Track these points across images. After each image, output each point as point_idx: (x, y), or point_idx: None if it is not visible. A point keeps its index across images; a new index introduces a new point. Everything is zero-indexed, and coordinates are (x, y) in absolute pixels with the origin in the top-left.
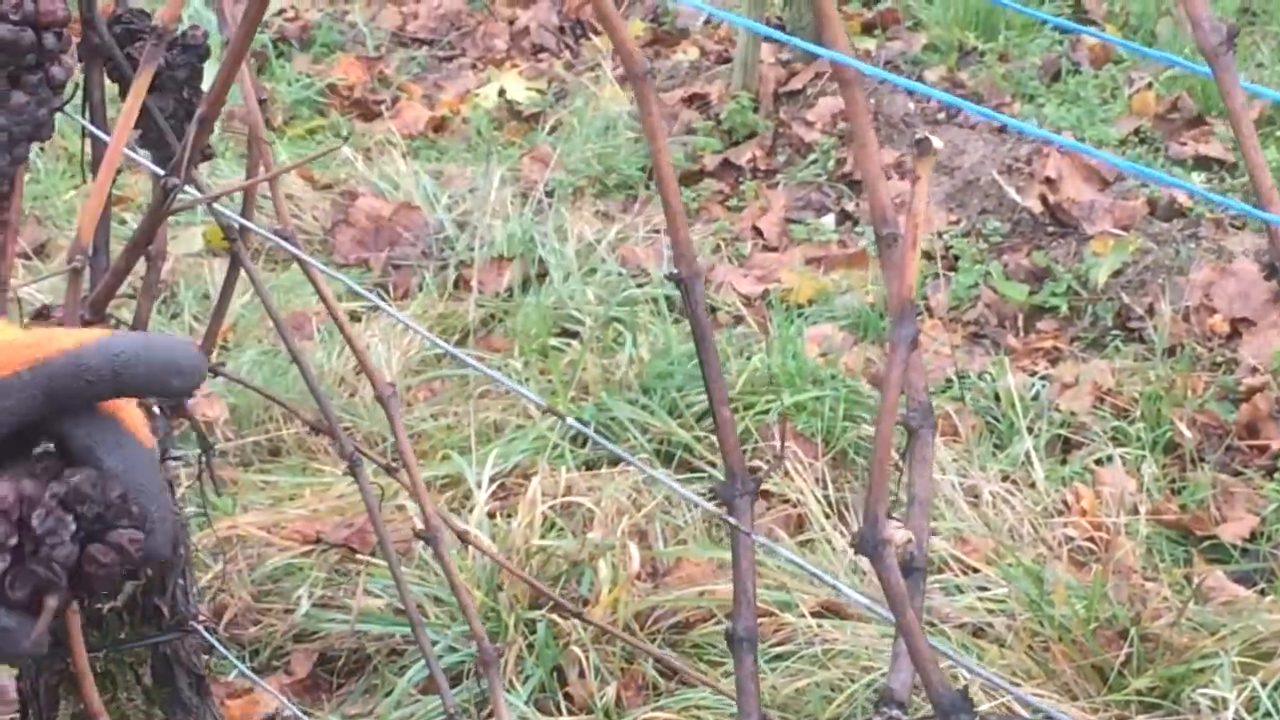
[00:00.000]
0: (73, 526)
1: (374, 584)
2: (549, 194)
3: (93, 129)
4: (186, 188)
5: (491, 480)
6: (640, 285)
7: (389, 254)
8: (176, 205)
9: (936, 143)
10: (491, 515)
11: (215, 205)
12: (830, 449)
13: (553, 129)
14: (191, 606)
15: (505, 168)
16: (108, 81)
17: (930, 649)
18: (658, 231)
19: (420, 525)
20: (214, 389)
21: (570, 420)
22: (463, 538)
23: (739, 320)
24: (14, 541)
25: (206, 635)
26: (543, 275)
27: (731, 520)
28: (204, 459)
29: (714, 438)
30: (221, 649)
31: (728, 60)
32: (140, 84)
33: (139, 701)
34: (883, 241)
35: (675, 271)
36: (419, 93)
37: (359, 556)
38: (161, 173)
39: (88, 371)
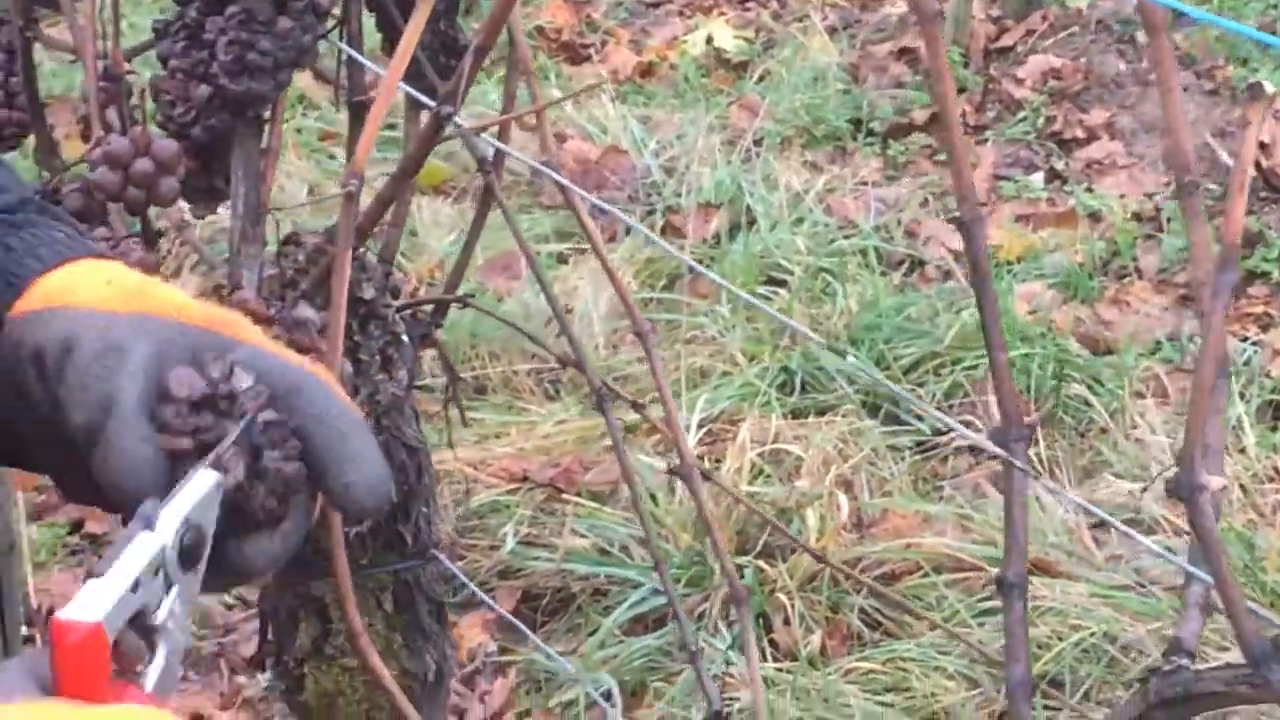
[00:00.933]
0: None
1: (580, 524)
2: (757, 143)
3: (355, 55)
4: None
5: (699, 425)
6: (848, 237)
7: (596, 196)
8: (446, 134)
9: (1269, 87)
10: (701, 459)
11: (474, 136)
12: (1038, 407)
13: (760, 78)
14: (433, 534)
15: (713, 115)
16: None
17: (1244, 598)
18: (866, 184)
19: (645, 466)
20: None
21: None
22: (706, 475)
23: (947, 275)
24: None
25: (447, 563)
26: (750, 223)
27: (1014, 461)
28: (450, 388)
29: (920, 390)
30: (463, 577)
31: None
32: (420, 14)
33: (379, 627)
34: (1184, 189)
35: (958, 215)
36: (626, 38)
37: (564, 496)
38: (427, 101)
39: None
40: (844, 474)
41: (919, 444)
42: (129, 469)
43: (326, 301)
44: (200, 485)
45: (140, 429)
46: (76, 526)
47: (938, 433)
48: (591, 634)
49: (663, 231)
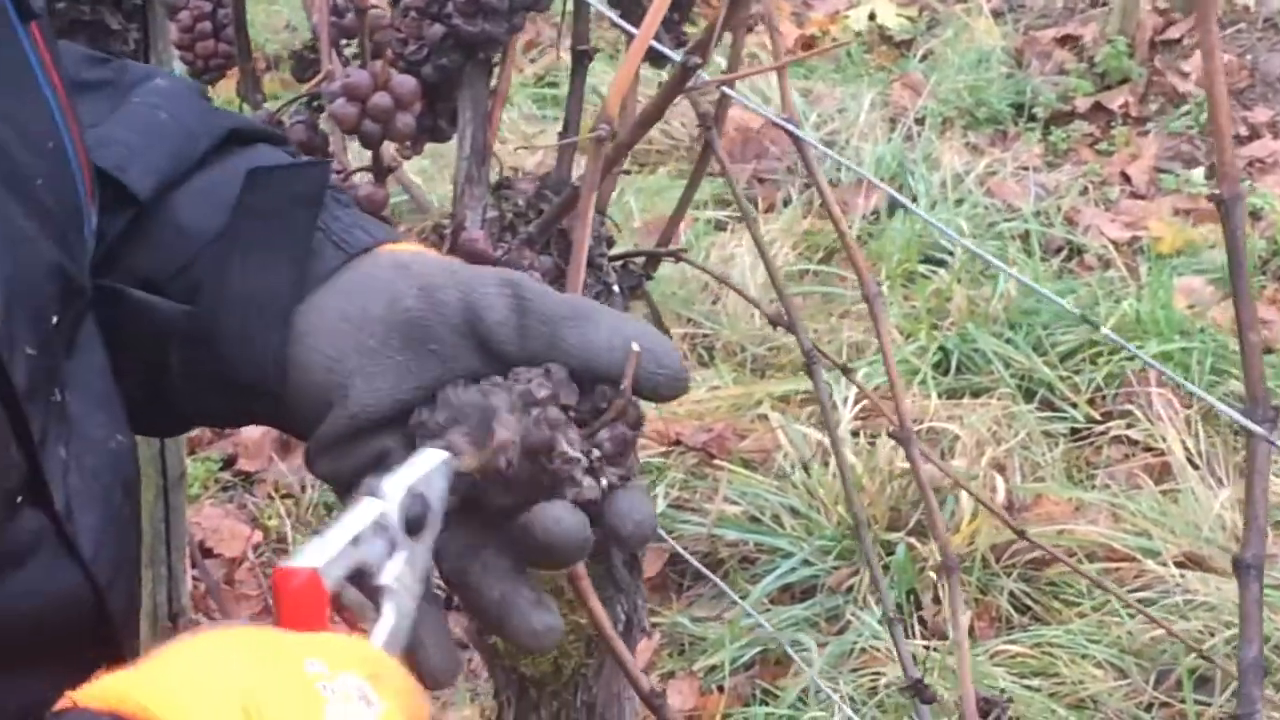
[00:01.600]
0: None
1: (732, 491)
2: (918, 121)
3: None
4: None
5: (855, 400)
6: (1008, 220)
7: (755, 167)
8: (691, 85)
9: None
10: (855, 434)
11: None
12: (1195, 401)
13: (923, 57)
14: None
15: (874, 91)
16: None
17: None
18: (1026, 169)
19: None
20: None
21: None
22: (900, 441)
23: (1106, 264)
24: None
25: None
26: (913, 199)
27: (1269, 438)
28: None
29: (1077, 378)
30: (661, 533)
31: (1103, 3)
32: None
33: None
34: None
35: (1217, 193)
36: (788, 10)
37: (716, 462)
38: (669, 53)
39: None
40: (998, 457)
41: (1073, 431)
42: None
43: (549, 246)
44: (428, 461)
45: None
46: (229, 462)
47: (1091, 421)
48: (739, 599)
49: (820, 204)
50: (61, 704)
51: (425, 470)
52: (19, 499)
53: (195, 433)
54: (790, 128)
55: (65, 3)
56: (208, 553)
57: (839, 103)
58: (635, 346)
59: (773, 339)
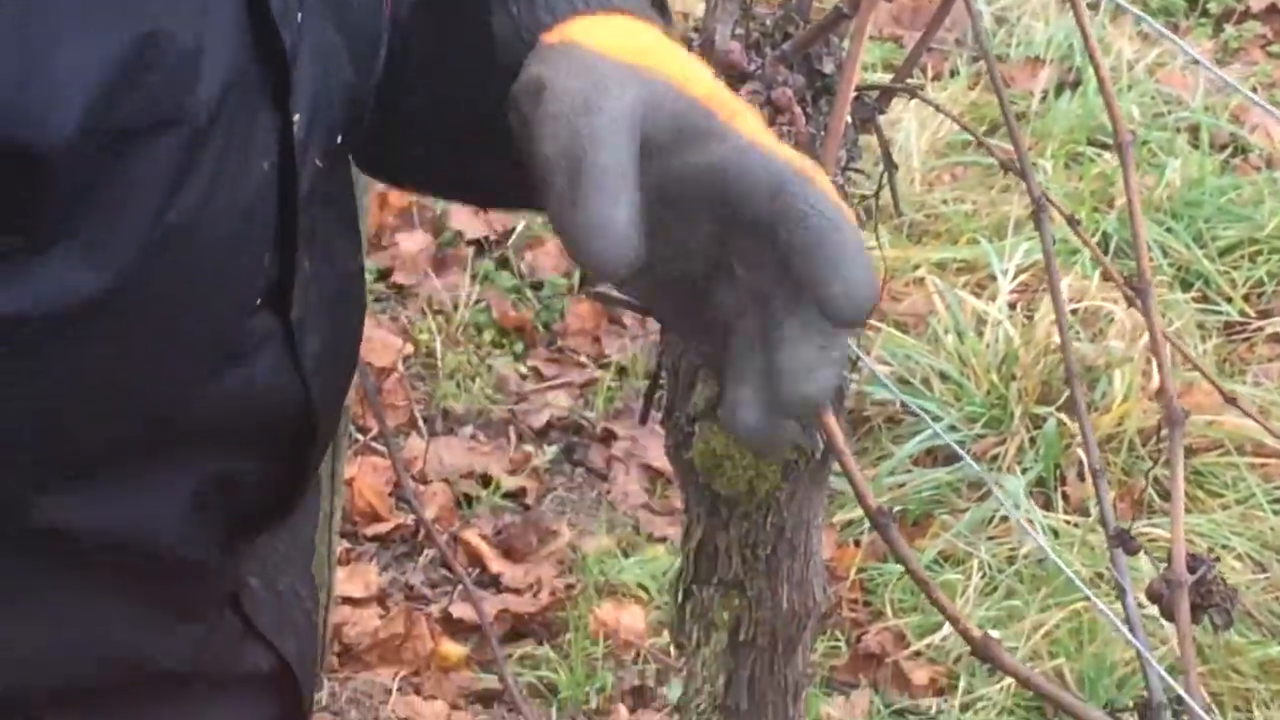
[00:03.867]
0: None
1: (884, 351)
2: (1092, 7)
3: None
4: None
5: (1015, 274)
6: (1173, 113)
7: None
8: None
9: None
10: (1012, 306)
11: None
12: None
13: None
14: None
15: None
16: None
17: None
18: (1197, 62)
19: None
20: None
21: None
22: (1136, 292)
23: (1269, 164)
24: None
25: (854, 348)
26: (1076, 84)
27: None
28: (885, 174)
29: (1235, 274)
30: (863, 359)
31: None
32: None
33: None
34: None
35: None
36: None
37: (870, 322)
38: None
39: None
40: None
41: (1227, 325)
42: (593, 229)
43: (797, 66)
44: None
45: (609, 183)
46: (384, 275)
47: (1246, 317)
48: (881, 459)
49: (988, 81)
50: None
51: None
52: (260, 301)
53: None
54: None
55: None
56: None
57: None
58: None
59: (931, 206)
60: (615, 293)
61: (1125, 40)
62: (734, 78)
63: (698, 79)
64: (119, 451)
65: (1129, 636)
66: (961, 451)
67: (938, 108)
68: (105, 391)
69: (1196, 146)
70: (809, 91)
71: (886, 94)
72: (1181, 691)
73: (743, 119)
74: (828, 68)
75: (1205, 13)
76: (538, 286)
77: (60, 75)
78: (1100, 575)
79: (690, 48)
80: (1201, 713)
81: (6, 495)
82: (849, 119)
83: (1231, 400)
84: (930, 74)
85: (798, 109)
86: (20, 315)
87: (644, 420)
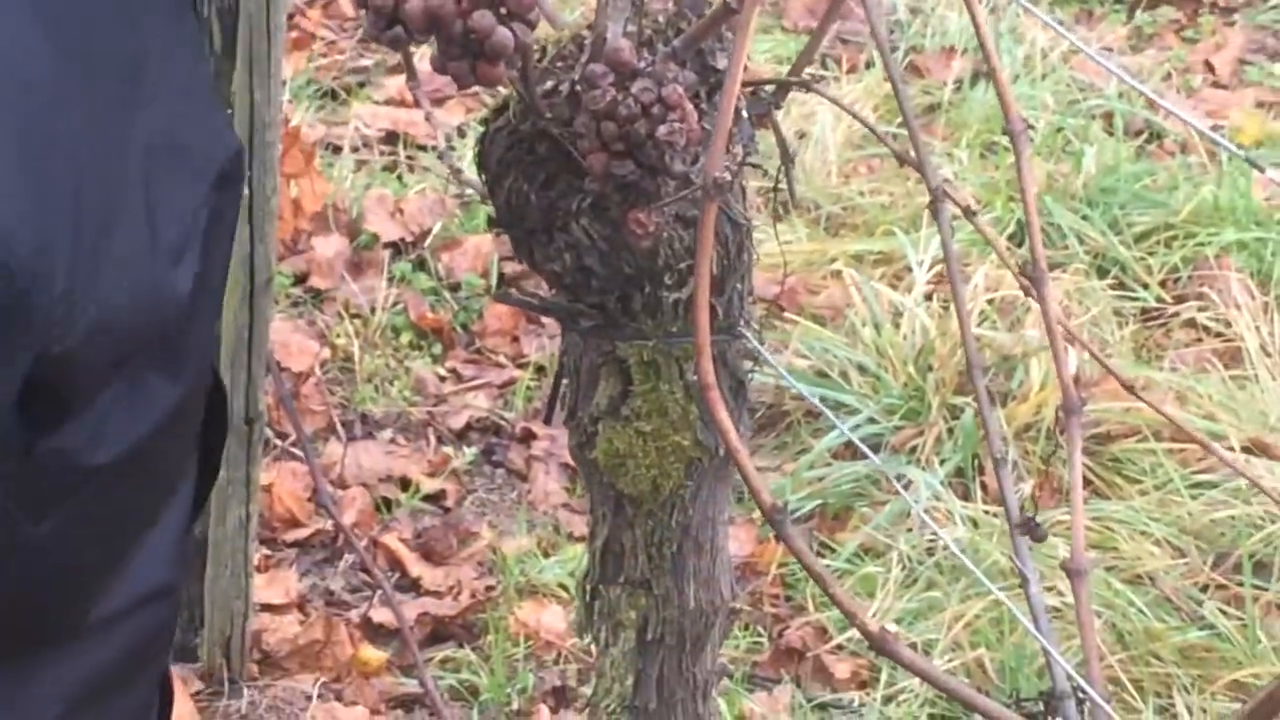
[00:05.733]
0: None
1: (802, 345)
2: None
3: None
4: None
5: (930, 265)
6: (1088, 100)
7: (839, 28)
8: None
9: None
10: (928, 298)
11: None
12: (1265, 292)
13: None
14: (745, 312)
15: None
16: None
17: None
18: (1111, 50)
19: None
20: None
21: None
22: (1031, 281)
23: (1184, 149)
24: None
25: (754, 343)
26: (990, 74)
27: None
28: (783, 170)
29: (1151, 260)
30: (765, 356)
31: None
32: None
33: (678, 395)
34: None
35: None
36: None
37: (787, 315)
38: None
39: None
40: (1066, 332)
41: (1144, 311)
42: None
43: (690, 63)
44: None
45: None
46: (301, 279)
47: (1162, 303)
48: (800, 453)
49: (904, 72)
50: None
51: None
52: None
53: None
54: None
55: None
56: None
57: None
58: None
59: (847, 198)
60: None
61: (1039, 29)
62: (624, 75)
63: None
64: None
65: (1030, 628)
66: (868, 450)
67: (834, 101)
68: None
69: (1111, 133)
70: (702, 88)
71: (783, 88)
72: (1081, 681)
73: None
74: (721, 63)
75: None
76: (455, 288)
77: None
78: None
79: (581, 45)
80: (1101, 702)
81: None
82: (745, 114)
83: (1130, 389)
84: (846, 66)
85: (689, 106)
86: None
87: (548, 420)
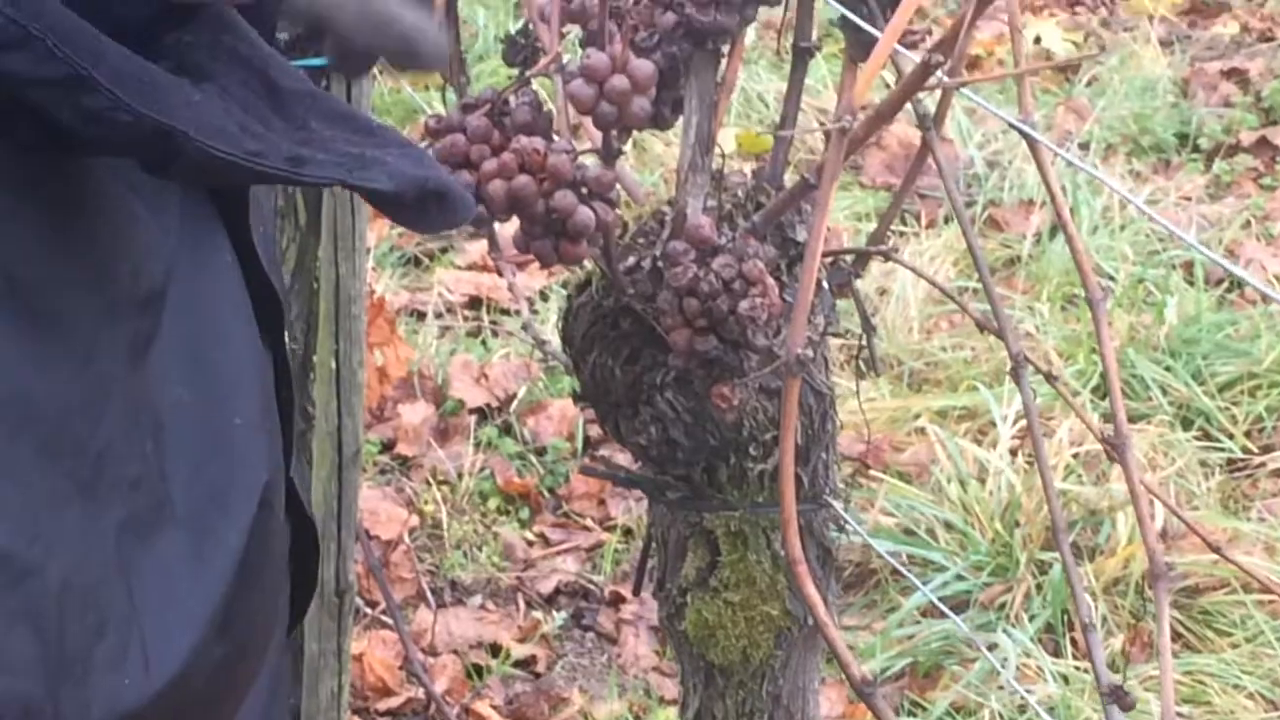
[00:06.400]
0: None
1: (888, 503)
2: (1083, 146)
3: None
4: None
5: (1014, 420)
6: (1168, 250)
7: (916, 184)
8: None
9: None
10: (1013, 453)
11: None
12: None
13: (1088, 83)
14: (831, 481)
15: (1039, 114)
16: None
17: None
18: (1189, 199)
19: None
20: None
21: None
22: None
23: (1266, 299)
24: None
25: (842, 512)
26: (1066, 238)
27: None
28: (865, 338)
29: (1235, 409)
30: (853, 524)
31: (1271, 39)
32: None
33: (765, 565)
34: None
35: None
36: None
37: (872, 473)
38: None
39: None
40: (1153, 484)
41: (1230, 462)
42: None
43: (770, 236)
44: None
45: None
46: (388, 446)
47: (1249, 453)
48: (890, 612)
49: (982, 225)
50: None
51: None
52: None
53: None
54: (1028, 131)
55: None
56: (364, 534)
57: (1002, 124)
58: None
59: (930, 354)
60: (613, 466)
61: (1117, 179)
62: (705, 251)
63: None
64: None
65: None
66: (949, 612)
67: (913, 269)
68: None
69: (1192, 283)
70: (783, 260)
71: (863, 257)
72: None
73: None
74: (800, 236)
75: (1196, 148)
76: (541, 452)
77: None
78: None
79: (662, 221)
80: None
81: None
82: (826, 284)
83: (1217, 550)
84: (925, 221)
85: (770, 280)
86: None
87: (636, 591)
